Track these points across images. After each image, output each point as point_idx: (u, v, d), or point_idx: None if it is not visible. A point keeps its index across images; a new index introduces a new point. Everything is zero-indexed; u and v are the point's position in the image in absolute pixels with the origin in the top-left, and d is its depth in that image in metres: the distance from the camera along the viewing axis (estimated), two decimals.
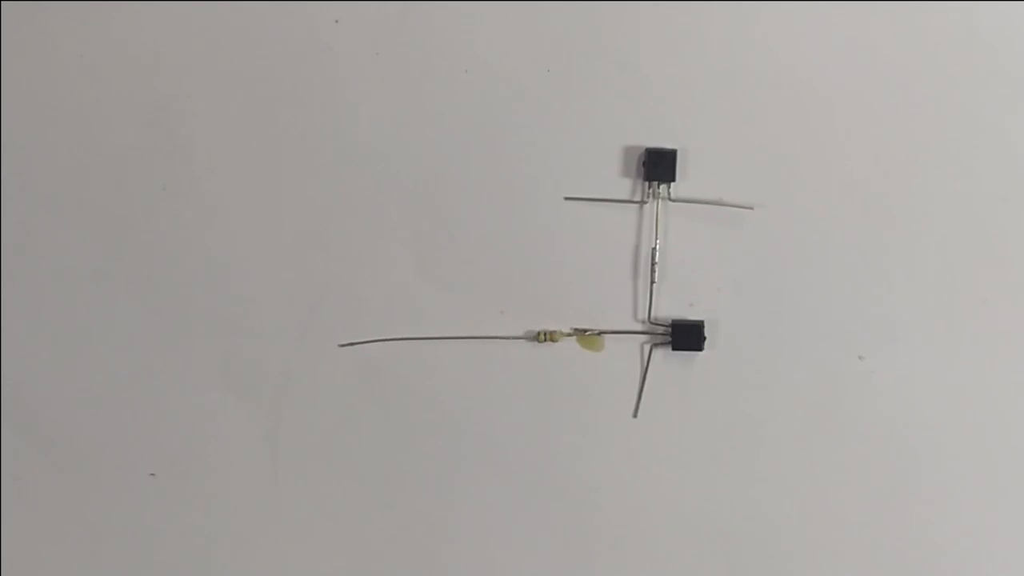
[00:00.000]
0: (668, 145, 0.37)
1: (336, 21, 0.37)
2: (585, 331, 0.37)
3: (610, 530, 0.37)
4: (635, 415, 0.37)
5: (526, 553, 0.37)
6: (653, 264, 0.37)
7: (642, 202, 0.37)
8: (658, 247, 0.37)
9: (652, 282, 0.37)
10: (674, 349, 0.37)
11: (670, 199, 0.37)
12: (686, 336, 0.37)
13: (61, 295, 0.37)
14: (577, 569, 0.38)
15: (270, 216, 0.37)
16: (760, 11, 0.37)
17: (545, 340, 0.37)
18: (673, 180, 0.37)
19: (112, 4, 0.37)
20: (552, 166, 0.37)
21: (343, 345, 0.37)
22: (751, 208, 0.37)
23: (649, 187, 0.37)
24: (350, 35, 0.37)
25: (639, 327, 0.37)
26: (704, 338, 0.37)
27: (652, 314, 0.37)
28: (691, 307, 0.37)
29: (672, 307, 0.37)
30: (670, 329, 0.37)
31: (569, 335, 0.37)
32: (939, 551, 0.38)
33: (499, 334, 0.37)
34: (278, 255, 0.37)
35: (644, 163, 0.37)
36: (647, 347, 0.37)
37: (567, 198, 0.37)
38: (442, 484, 0.37)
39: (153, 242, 0.37)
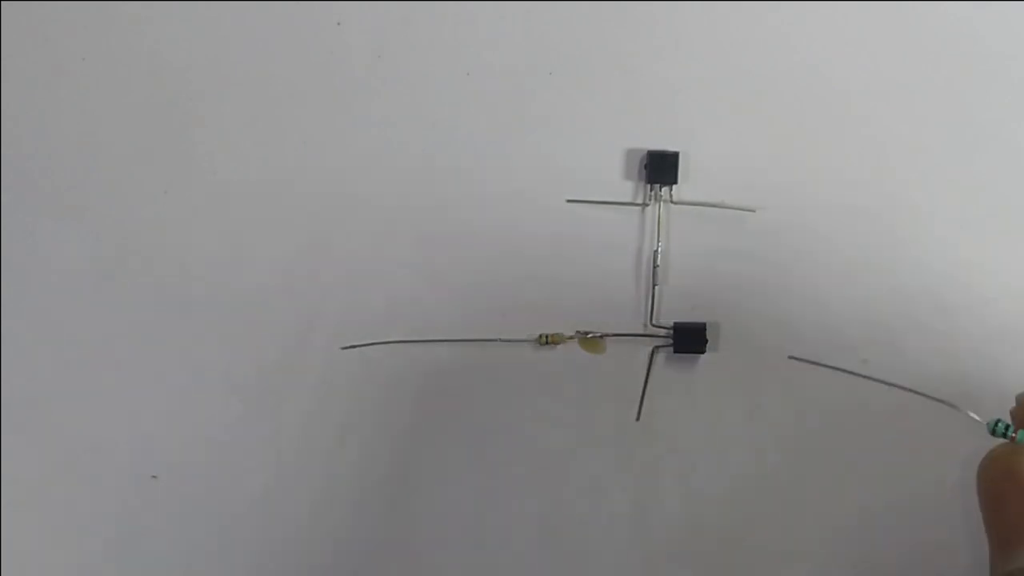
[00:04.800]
0: (670, 148, 0.37)
1: (338, 23, 0.37)
2: (587, 334, 0.37)
3: (613, 533, 0.37)
4: (638, 418, 0.37)
5: (528, 555, 0.37)
6: (655, 267, 0.37)
7: (644, 204, 0.37)
8: (660, 250, 0.37)
9: (654, 284, 0.37)
10: (676, 352, 0.37)
11: (672, 202, 0.37)
12: (688, 339, 0.37)
13: (62, 296, 0.37)
14: (579, 572, 0.38)
15: (272, 218, 0.37)
16: (762, 14, 0.37)
17: (547, 343, 0.37)
18: (675, 183, 0.37)
19: (114, 5, 0.37)
20: (554, 168, 0.37)
21: (345, 348, 0.37)
22: (753, 211, 0.37)
23: (651, 190, 0.37)
24: (352, 37, 0.37)
25: (641, 330, 0.37)
26: (706, 341, 0.37)
27: (654, 317, 0.37)
28: (693, 310, 0.37)
29: (674, 310, 0.37)
30: (672, 332, 0.37)
31: (571, 338, 0.37)
32: (934, 553, 0.38)
33: (501, 337, 0.37)
34: (280, 257, 0.37)
35: (646, 166, 0.37)
36: (649, 350, 0.37)
37: (569, 200, 0.37)
38: (444, 486, 0.37)
39: (155, 244, 0.37)
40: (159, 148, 0.37)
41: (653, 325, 0.37)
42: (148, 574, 0.37)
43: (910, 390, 0.30)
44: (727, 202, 0.37)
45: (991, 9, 0.37)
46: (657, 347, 0.37)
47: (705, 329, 0.37)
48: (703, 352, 0.37)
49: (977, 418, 0.27)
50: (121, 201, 0.37)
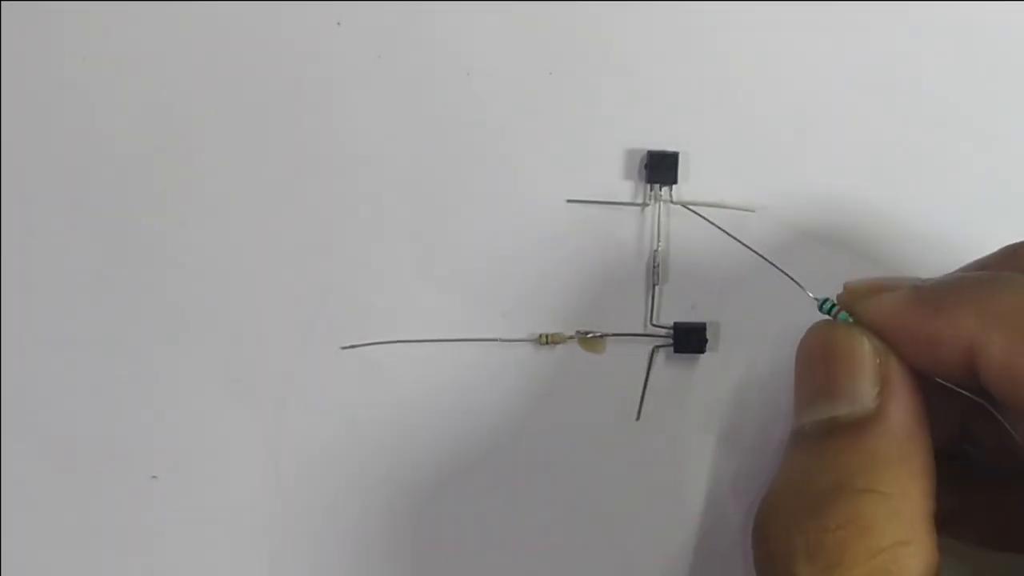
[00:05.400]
0: (670, 148, 0.37)
1: (338, 23, 0.37)
2: (587, 334, 0.37)
3: (612, 533, 0.37)
4: (638, 418, 0.37)
5: (527, 555, 0.37)
6: (655, 267, 0.37)
7: (644, 204, 0.37)
8: (660, 250, 0.37)
9: (654, 284, 0.37)
10: (676, 352, 0.37)
11: (672, 202, 0.37)
12: (688, 339, 0.37)
13: (62, 297, 0.37)
14: (578, 572, 0.38)
15: (272, 218, 0.37)
16: (763, 14, 0.37)
17: (547, 343, 0.37)
18: (675, 183, 0.37)
19: (113, 5, 0.37)
20: (554, 168, 0.37)
21: (345, 348, 0.37)
22: (753, 211, 0.37)
23: (651, 190, 0.37)
24: (352, 37, 0.37)
25: (641, 330, 0.37)
26: (706, 340, 0.37)
27: (654, 317, 0.37)
28: (692, 309, 0.37)
29: (674, 309, 0.37)
30: (672, 332, 0.37)
31: (571, 338, 0.37)
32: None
33: (501, 337, 0.37)
34: (280, 257, 0.37)
35: (646, 166, 0.37)
36: (649, 350, 0.37)
37: (569, 200, 0.37)
38: (443, 486, 0.37)
39: (154, 244, 0.37)
40: (159, 148, 0.37)
41: (653, 325, 0.37)
42: (148, 574, 0.37)
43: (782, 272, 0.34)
44: (727, 202, 0.37)
45: (992, 9, 0.37)
46: (657, 347, 0.37)
47: (705, 329, 0.37)
48: (703, 352, 0.37)
49: (813, 296, 0.32)
50: (121, 201, 0.37)
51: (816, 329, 0.31)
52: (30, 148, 0.37)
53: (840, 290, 0.32)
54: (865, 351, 0.29)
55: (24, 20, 0.37)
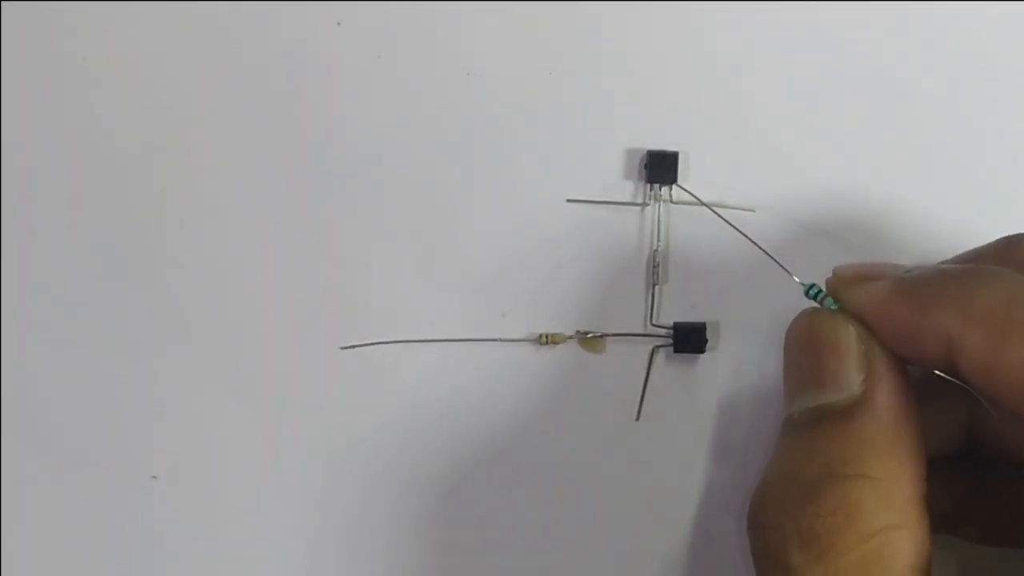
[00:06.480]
0: (670, 148, 0.37)
1: (338, 23, 0.37)
2: (587, 334, 0.37)
3: (613, 533, 0.37)
4: (638, 418, 0.37)
5: (527, 555, 0.37)
6: (655, 266, 0.37)
7: (644, 204, 0.37)
8: (659, 249, 0.37)
9: (654, 284, 0.37)
10: (676, 352, 0.37)
11: (672, 201, 0.37)
12: (688, 338, 0.37)
13: (62, 297, 0.37)
14: (578, 571, 0.38)
15: (272, 218, 0.37)
16: (763, 14, 0.37)
17: (547, 343, 0.37)
18: (675, 182, 0.37)
19: (113, 6, 0.37)
20: (554, 168, 0.37)
21: (345, 348, 0.37)
22: (753, 211, 0.37)
23: (651, 189, 0.37)
24: (352, 37, 0.37)
25: (641, 330, 0.37)
26: (706, 340, 0.37)
27: (654, 316, 0.37)
28: (692, 309, 0.37)
29: (673, 309, 0.37)
30: (672, 331, 0.37)
31: (571, 338, 0.37)
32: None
33: (501, 336, 0.37)
34: (280, 257, 0.37)
35: (646, 165, 0.37)
36: (649, 349, 0.37)
37: (569, 200, 0.37)
38: (443, 486, 0.37)
39: (154, 244, 0.37)
40: (158, 148, 0.37)
41: (653, 325, 0.37)
42: (148, 574, 0.37)
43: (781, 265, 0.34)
44: (727, 202, 0.37)
45: (991, 9, 0.37)
46: (657, 347, 0.37)
47: (705, 329, 0.37)
48: (703, 352, 0.37)
49: (799, 281, 0.32)
50: (121, 201, 0.37)
51: (802, 317, 0.31)
52: (30, 148, 0.37)
53: None
54: (850, 338, 0.29)
55: (24, 20, 0.37)
